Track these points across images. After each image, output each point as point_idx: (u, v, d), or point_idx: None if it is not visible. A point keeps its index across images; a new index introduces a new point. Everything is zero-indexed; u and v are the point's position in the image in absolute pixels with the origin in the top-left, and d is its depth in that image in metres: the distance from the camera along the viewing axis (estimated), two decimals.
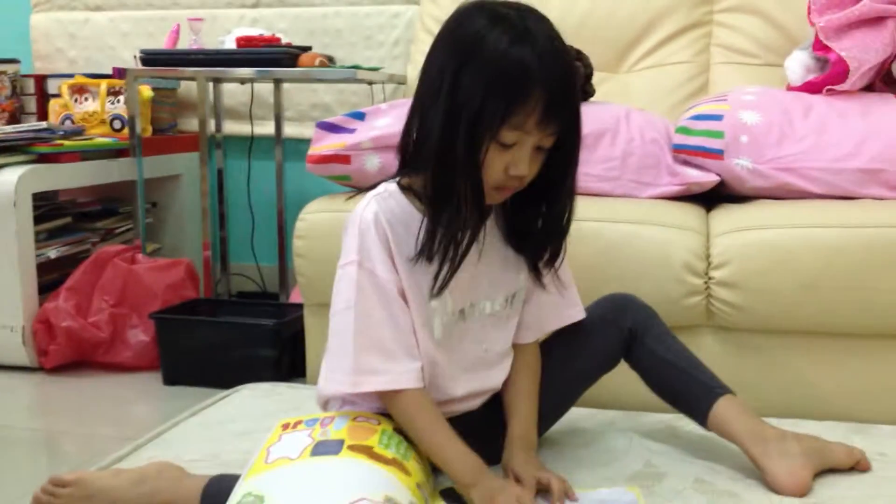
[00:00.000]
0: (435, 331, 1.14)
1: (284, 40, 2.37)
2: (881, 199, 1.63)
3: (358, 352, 1.09)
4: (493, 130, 1.02)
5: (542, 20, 1.05)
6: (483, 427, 1.20)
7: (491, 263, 1.17)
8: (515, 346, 1.26)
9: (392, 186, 1.14)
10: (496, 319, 1.20)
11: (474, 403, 1.23)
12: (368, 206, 1.11)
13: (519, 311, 1.24)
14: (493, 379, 1.23)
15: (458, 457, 1.11)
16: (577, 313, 1.28)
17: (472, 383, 1.21)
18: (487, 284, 1.18)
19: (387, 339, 1.10)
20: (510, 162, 1.05)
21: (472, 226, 1.08)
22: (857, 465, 1.24)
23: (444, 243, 1.07)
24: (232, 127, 2.79)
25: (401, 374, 1.11)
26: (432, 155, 1.05)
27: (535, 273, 1.19)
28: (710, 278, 1.53)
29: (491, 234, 1.17)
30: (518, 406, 1.22)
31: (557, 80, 1.02)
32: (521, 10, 1.05)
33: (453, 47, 1.05)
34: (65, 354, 2.11)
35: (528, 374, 1.25)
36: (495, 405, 1.25)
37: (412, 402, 1.12)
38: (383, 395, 1.13)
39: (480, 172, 1.05)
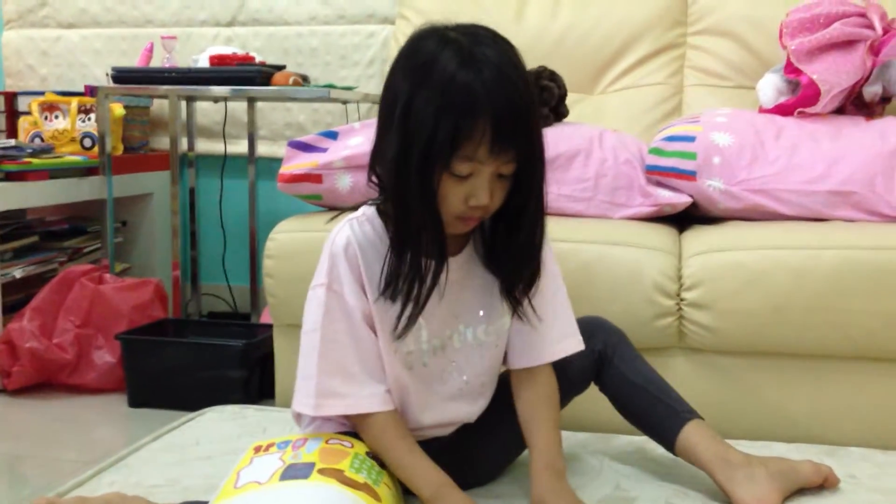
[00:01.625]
0: (407, 359, 1.13)
1: (258, 59, 2.36)
2: (851, 220, 1.63)
3: (321, 374, 1.08)
4: (445, 161, 0.99)
5: (495, 44, 1.01)
6: (452, 453, 1.18)
7: (472, 290, 1.15)
8: (524, 374, 1.21)
9: (370, 211, 1.12)
10: (481, 347, 1.17)
11: (444, 431, 1.21)
12: (342, 231, 1.10)
13: (505, 338, 1.20)
14: (469, 411, 1.21)
15: (421, 471, 1.09)
16: (575, 343, 1.22)
17: (445, 414, 1.18)
18: (469, 312, 1.15)
19: (350, 363, 1.09)
20: (469, 193, 1.02)
21: (435, 259, 1.06)
22: (826, 482, 1.24)
23: (407, 282, 1.05)
24: (205, 145, 2.77)
25: (363, 398, 1.09)
26: (389, 185, 1.04)
27: (512, 300, 1.15)
28: (681, 299, 1.53)
29: (470, 262, 1.15)
30: (540, 434, 1.17)
31: (505, 108, 0.98)
32: (475, 34, 1.02)
33: (407, 70, 1.02)
34: (28, 376, 2.07)
35: (545, 400, 1.20)
36: (467, 432, 1.22)
37: (377, 424, 1.10)
38: (352, 418, 1.12)
39: (435, 204, 1.02)
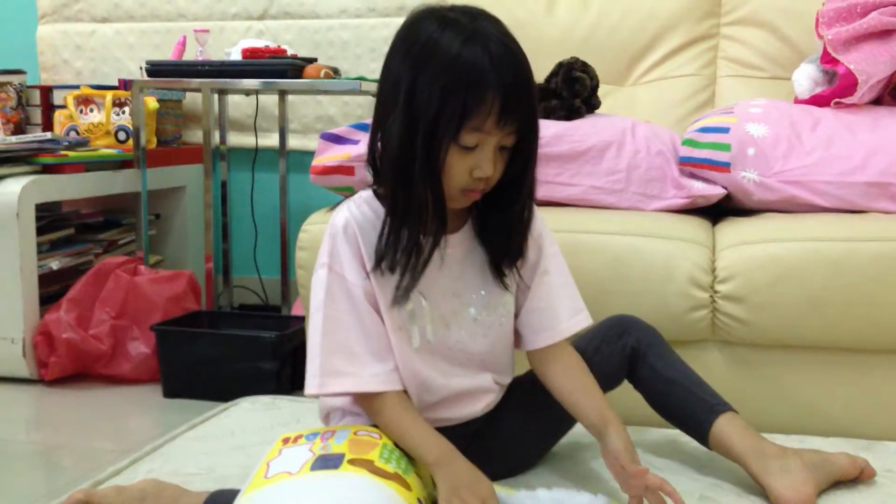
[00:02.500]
0: (413, 337, 1.13)
1: (290, 52, 2.37)
2: (889, 212, 1.60)
3: (324, 354, 1.09)
4: (452, 134, 1.02)
5: (492, 21, 1.05)
6: (468, 447, 1.16)
7: (473, 269, 1.16)
8: (545, 353, 1.21)
9: (367, 193, 1.15)
10: (481, 325, 1.18)
11: (455, 415, 1.20)
12: (340, 212, 1.12)
13: (510, 318, 1.21)
14: (479, 397, 1.20)
15: (426, 438, 1.10)
16: (583, 319, 1.22)
17: (454, 397, 1.18)
18: (469, 290, 1.16)
19: (353, 342, 1.10)
20: (474, 164, 1.05)
21: (434, 233, 1.08)
22: (862, 475, 1.23)
23: (406, 253, 1.07)
24: (236, 139, 2.79)
25: (367, 377, 1.10)
26: (393, 164, 1.05)
27: (498, 273, 1.16)
28: (715, 292, 1.51)
29: (471, 240, 1.16)
30: (584, 404, 1.16)
31: (512, 79, 1.02)
32: (471, 13, 1.06)
33: (407, 56, 1.05)
34: (65, 367, 2.10)
35: (574, 374, 1.19)
36: (483, 427, 1.22)
37: (383, 403, 1.11)
38: (358, 399, 1.14)
39: (440, 179, 1.05)
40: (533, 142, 1.08)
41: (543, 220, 1.21)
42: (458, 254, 1.14)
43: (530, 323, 1.21)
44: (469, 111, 1.01)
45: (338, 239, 1.11)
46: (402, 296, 1.09)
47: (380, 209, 1.11)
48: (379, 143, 1.09)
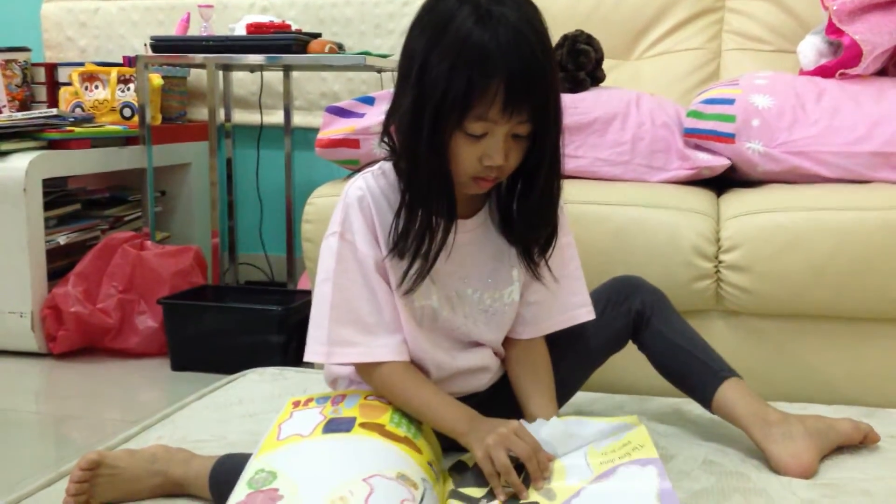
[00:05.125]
0: (419, 316, 1.12)
1: (294, 28, 2.36)
2: (893, 182, 1.61)
3: (333, 323, 1.08)
4: (457, 120, 0.98)
5: (514, 3, 1.00)
6: (489, 410, 1.18)
7: (483, 255, 1.15)
8: (518, 343, 1.22)
9: (387, 165, 1.12)
10: (487, 313, 1.17)
11: (480, 382, 1.21)
12: (356, 182, 1.11)
13: (514, 309, 1.20)
14: (479, 377, 1.21)
15: (450, 410, 1.09)
16: (584, 314, 1.22)
17: (455, 376, 1.18)
18: (476, 277, 1.15)
19: (363, 313, 1.09)
20: (483, 153, 1.01)
21: (444, 218, 1.06)
22: (866, 440, 1.23)
23: (418, 237, 1.05)
24: (241, 116, 2.79)
25: (376, 348, 1.09)
26: (403, 141, 1.04)
27: (530, 263, 1.15)
28: (719, 262, 1.52)
29: (484, 226, 1.14)
30: (537, 402, 1.17)
31: (519, 69, 0.97)
32: None
33: (425, 27, 1.02)
34: (73, 340, 2.12)
35: (538, 372, 1.21)
36: (502, 390, 1.23)
37: (392, 372, 1.10)
38: (361, 370, 1.12)
39: (446, 162, 1.02)
40: (550, 130, 1.03)
41: (563, 209, 1.17)
42: (468, 239, 1.12)
43: (521, 314, 1.21)
44: (472, 98, 0.97)
45: (352, 209, 1.09)
46: (413, 283, 1.07)
47: (396, 182, 1.10)
48: (395, 118, 1.07)
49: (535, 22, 1.01)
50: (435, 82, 0.98)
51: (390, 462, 0.99)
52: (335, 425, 1.05)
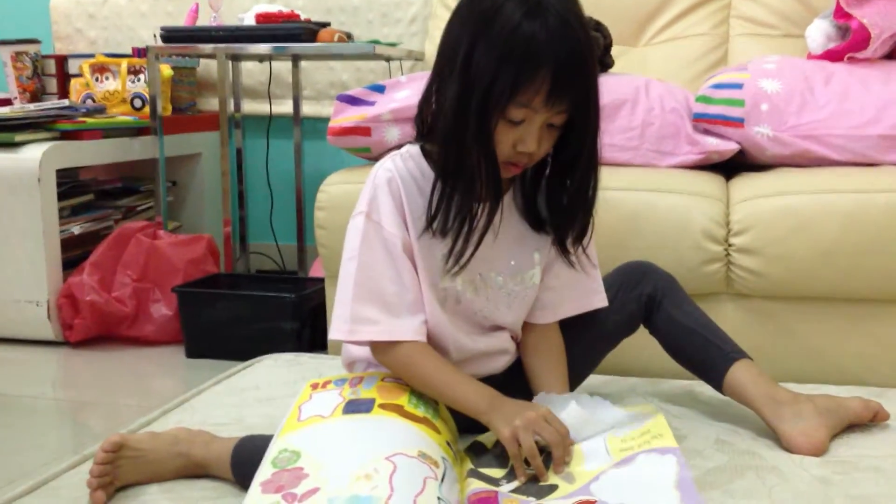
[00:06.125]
0: (441, 295, 1.14)
1: (303, 17, 2.37)
2: None
3: (356, 301, 1.09)
4: (502, 107, 1.01)
5: None
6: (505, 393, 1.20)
7: (506, 239, 1.16)
8: (534, 328, 1.25)
9: (414, 149, 1.14)
10: (509, 297, 1.19)
11: (496, 364, 1.23)
12: (385, 163, 1.13)
13: (535, 292, 1.22)
14: (495, 360, 1.23)
15: (471, 388, 1.10)
16: (599, 300, 1.26)
17: (473, 358, 1.20)
18: (499, 260, 1.17)
19: (388, 292, 1.10)
20: (518, 139, 1.04)
21: (490, 201, 1.08)
22: (876, 417, 1.25)
23: (458, 219, 1.07)
24: (250, 106, 2.80)
25: (398, 327, 1.10)
26: (447, 128, 1.05)
27: (564, 252, 1.18)
28: (729, 245, 1.53)
29: (507, 210, 1.16)
30: (552, 389, 1.19)
31: (566, 59, 0.99)
32: None
33: (469, 18, 1.04)
34: (89, 328, 2.14)
35: (552, 357, 1.24)
36: (518, 373, 1.25)
37: (412, 352, 1.11)
38: (378, 349, 1.13)
39: (493, 147, 1.04)
40: (589, 121, 1.05)
41: None
42: (494, 222, 1.13)
43: (540, 298, 1.23)
44: (519, 86, 0.99)
45: (380, 190, 1.10)
46: (456, 263, 1.08)
47: (426, 168, 1.11)
48: (433, 104, 1.09)
49: (578, 12, 1.03)
50: (482, 71, 1.00)
51: (411, 441, 1.01)
52: (355, 406, 1.07)
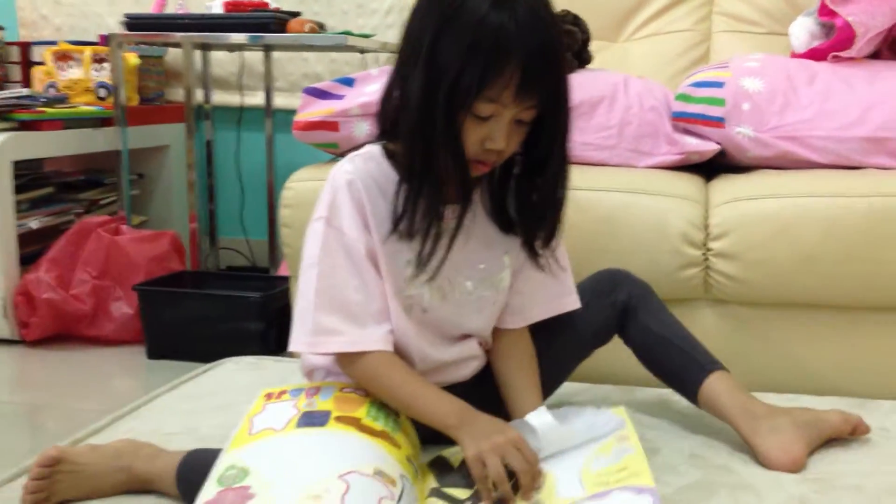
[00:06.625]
0: (407, 302, 1.09)
1: (273, 6, 2.31)
2: (886, 168, 1.58)
3: (319, 311, 1.04)
4: (469, 102, 0.96)
5: None
6: (472, 401, 1.15)
7: (475, 242, 1.12)
8: (504, 333, 1.20)
9: (376, 149, 1.09)
10: (477, 301, 1.14)
11: (462, 372, 1.18)
12: (344, 166, 1.07)
13: (504, 296, 1.18)
14: (463, 368, 1.18)
15: (440, 401, 1.05)
16: (569, 303, 1.22)
17: (439, 368, 1.15)
18: (468, 264, 1.12)
19: (351, 301, 1.05)
20: (486, 135, 0.99)
21: (460, 202, 1.03)
22: (855, 431, 1.21)
23: (426, 222, 1.02)
24: (221, 97, 2.73)
25: (364, 337, 1.05)
26: (411, 125, 1.00)
27: (532, 254, 1.13)
28: (708, 249, 1.49)
29: (475, 212, 1.11)
30: (523, 393, 1.15)
31: (537, 51, 0.95)
32: None
33: (433, 8, 0.99)
34: (46, 327, 2.07)
35: (524, 362, 1.19)
36: (486, 380, 1.20)
37: (378, 363, 1.06)
38: (343, 360, 1.08)
39: (461, 144, 0.99)
40: (559, 117, 1.02)
41: None
42: (463, 225, 1.09)
43: (509, 303, 1.19)
44: (487, 81, 0.95)
45: (340, 193, 1.05)
46: (423, 268, 1.04)
47: (388, 169, 1.06)
48: (395, 100, 1.03)
49: (548, 3, 0.99)
50: (448, 65, 0.95)
51: (367, 458, 0.96)
52: (309, 419, 1.02)
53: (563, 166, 1.06)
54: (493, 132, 0.99)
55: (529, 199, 1.09)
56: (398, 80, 1.03)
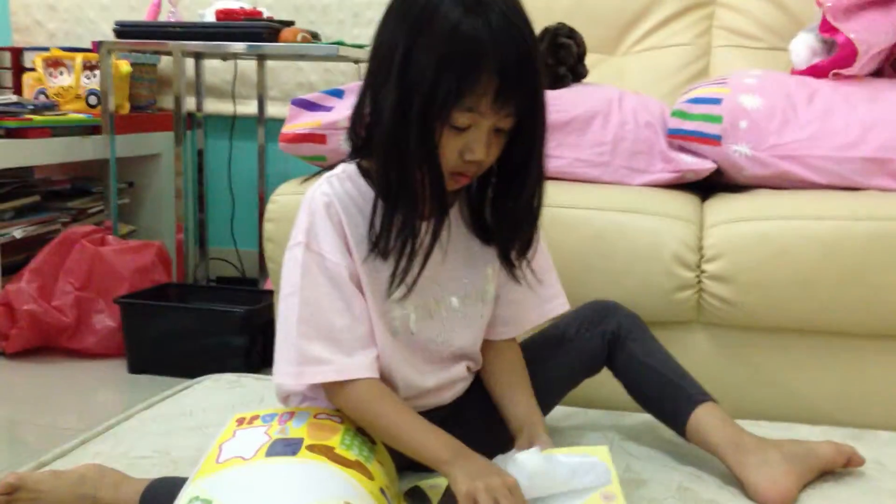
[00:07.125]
0: (393, 324, 1.06)
1: (267, 14, 2.27)
2: (887, 190, 1.53)
3: (302, 339, 1.00)
4: (446, 113, 0.93)
5: None
6: (453, 425, 1.10)
7: (456, 257, 1.09)
8: (494, 345, 1.18)
9: (350, 167, 1.05)
10: (465, 317, 1.11)
11: (444, 397, 1.14)
12: (321, 187, 1.03)
13: (491, 308, 1.15)
14: (452, 388, 1.15)
15: (432, 436, 1.00)
16: (558, 306, 1.20)
17: (428, 391, 1.12)
18: (452, 280, 1.09)
19: (336, 328, 1.01)
20: (465, 146, 0.96)
21: (435, 217, 1.00)
22: (850, 463, 1.17)
23: (401, 238, 0.98)
24: (213, 106, 2.69)
25: (350, 365, 1.01)
26: (385, 140, 0.96)
27: (508, 265, 1.10)
28: (702, 271, 1.44)
29: (455, 225, 1.08)
30: (518, 399, 1.13)
31: (513, 57, 0.92)
32: None
33: (404, 19, 0.95)
34: (27, 339, 2.03)
35: (516, 370, 1.17)
36: (466, 402, 1.16)
37: (367, 392, 1.02)
38: (330, 389, 1.03)
39: (437, 158, 0.96)
40: (536, 125, 0.99)
41: None
42: (441, 240, 1.05)
43: (500, 314, 1.17)
44: (464, 89, 0.92)
45: (317, 216, 1.01)
46: (399, 286, 1.00)
47: (365, 188, 1.03)
48: (367, 114, 1.00)
49: (521, 10, 0.96)
50: (422, 76, 0.92)
51: (337, 490, 0.91)
52: (281, 447, 0.97)
53: (539, 176, 1.03)
54: (471, 143, 0.96)
55: (505, 208, 1.06)
56: (369, 95, 0.99)
